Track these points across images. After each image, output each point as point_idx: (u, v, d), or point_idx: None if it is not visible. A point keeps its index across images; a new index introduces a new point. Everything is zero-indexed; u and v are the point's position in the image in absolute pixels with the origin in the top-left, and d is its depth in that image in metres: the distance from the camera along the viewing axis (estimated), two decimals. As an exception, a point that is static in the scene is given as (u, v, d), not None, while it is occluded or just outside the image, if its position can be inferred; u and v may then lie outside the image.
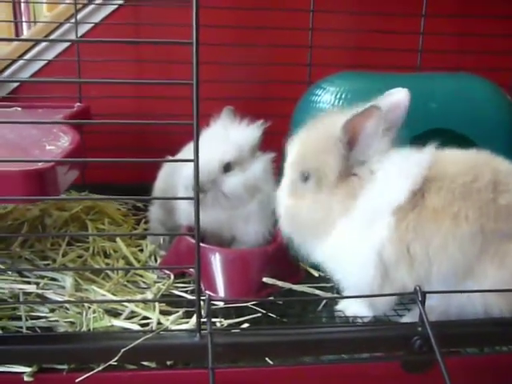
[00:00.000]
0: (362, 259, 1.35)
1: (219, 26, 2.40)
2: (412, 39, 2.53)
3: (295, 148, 1.46)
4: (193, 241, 1.68)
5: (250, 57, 2.52)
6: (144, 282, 1.67)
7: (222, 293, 1.61)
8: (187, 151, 1.87)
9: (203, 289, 1.63)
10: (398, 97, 1.44)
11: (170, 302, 1.50)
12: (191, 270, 1.68)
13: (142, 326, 1.37)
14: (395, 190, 1.33)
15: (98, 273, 1.63)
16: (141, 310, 1.40)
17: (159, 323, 1.37)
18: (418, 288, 1.26)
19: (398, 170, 1.35)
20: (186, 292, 1.63)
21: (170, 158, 1.85)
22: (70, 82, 2.41)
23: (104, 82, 1.21)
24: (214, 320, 1.44)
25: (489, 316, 1.33)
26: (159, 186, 1.95)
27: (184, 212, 1.77)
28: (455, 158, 1.41)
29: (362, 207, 1.35)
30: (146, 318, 1.41)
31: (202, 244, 1.68)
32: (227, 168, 1.69)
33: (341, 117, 1.38)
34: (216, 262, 1.64)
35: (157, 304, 1.41)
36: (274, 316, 1.50)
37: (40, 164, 1.21)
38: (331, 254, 1.41)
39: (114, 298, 1.45)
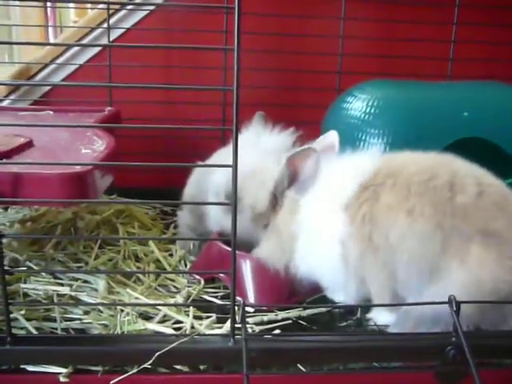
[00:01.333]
0: (329, 259, 1.46)
1: (251, 33, 2.41)
2: (443, 48, 2.51)
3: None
4: (224, 246, 1.70)
5: (281, 63, 2.53)
6: (175, 287, 1.67)
7: (252, 299, 1.61)
8: (217, 157, 1.88)
9: (233, 294, 1.63)
10: (330, 139, 1.61)
11: (203, 306, 1.51)
12: (221, 275, 1.69)
13: (175, 329, 1.37)
14: (342, 186, 1.44)
15: (129, 276, 1.63)
16: (174, 313, 1.40)
17: (192, 327, 1.38)
18: (452, 298, 1.25)
19: (339, 170, 1.49)
20: (216, 297, 1.63)
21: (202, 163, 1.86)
22: (98, 86, 2.43)
23: (137, 86, 1.22)
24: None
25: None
26: (189, 193, 1.95)
27: (214, 218, 1.77)
28: (413, 158, 1.47)
29: (307, 210, 1.49)
30: (178, 322, 1.41)
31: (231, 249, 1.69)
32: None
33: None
34: (246, 268, 1.64)
35: (191, 308, 1.41)
36: (304, 323, 1.49)
37: (78, 167, 1.22)
38: (303, 257, 1.52)
39: (148, 301, 1.45)
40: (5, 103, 2.56)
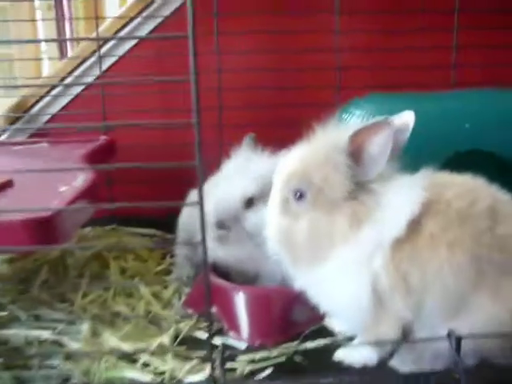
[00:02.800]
0: (356, 289, 1.28)
1: (242, 53, 2.37)
2: (445, 55, 2.41)
3: (289, 162, 1.37)
4: (216, 279, 1.62)
5: (275, 80, 2.45)
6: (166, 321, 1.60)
7: (245, 333, 1.53)
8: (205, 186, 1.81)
9: (226, 329, 1.55)
10: (405, 119, 1.39)
11: (181, 352, 1.41)
12: (214, 309, 1.61)
13: (159, 373, 1.30)
14: (395, 224, 1.26)
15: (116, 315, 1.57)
16: (155, 358, 1.32)
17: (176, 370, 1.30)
18: (451, 332, 1.15)
19: (398, 201, 1.28)
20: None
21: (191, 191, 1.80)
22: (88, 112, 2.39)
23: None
24: (233, 366, 1.36)
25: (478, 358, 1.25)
26: (183, 222, 1.89)
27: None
28: (451, 181, 1.35)
29: (364, 240, 1.27)
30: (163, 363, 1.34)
31: (224, 281, 1.62)
32: (249, 203, 1.61)
33: (343, 131, 1.31)
34: (239, 300, 1.56)
35: (169, 355, 1.33)
36: (299, 361, 1.40)
37: (44, 212, 1.16)
38: (323, 281, 1.32)
39: (127, 346, 1.38)
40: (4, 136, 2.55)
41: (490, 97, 1.90)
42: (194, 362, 1.32)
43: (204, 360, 1.35)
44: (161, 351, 1.38)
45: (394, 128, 1.25)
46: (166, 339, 1.43)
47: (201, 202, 1.03)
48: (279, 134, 2.00)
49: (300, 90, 2.40)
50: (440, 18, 2.40)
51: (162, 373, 1.30)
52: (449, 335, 1.16)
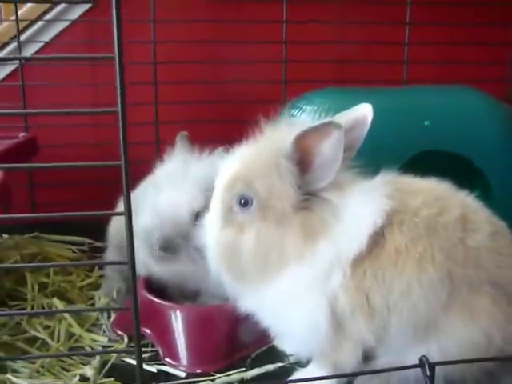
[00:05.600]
0: (312, 311, 1.11)
1: (181, 42, 2.17)
2: (397, 50, 2.29)
3: (232, 166, 1.18)
4: (150, 297, 1.42)
5: (211, 73, 2.27)
6: (91, 347, 1.38)
7: (184, 360, 1.33)
8: (143, 188, 1.60)
9: (162, 356, 1.35)
10: (362, 112, 1.20)
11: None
12: (146, 330, 1.40)
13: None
14: (355, 237, 1.09)
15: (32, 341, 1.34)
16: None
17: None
18: (424, 359, 0.98)
19: (357, 211, 1.11)
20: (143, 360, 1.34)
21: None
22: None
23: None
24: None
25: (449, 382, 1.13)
26: (114, 230, 1.67)
27: (142, 262, 1.48)
28: (416, 187, 1.19)
29: (320, 256, 1.09)
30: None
31: (159, 300, 1.41)
32: (197, 217, 1.40)
33: (288, 132, 1.12)
34: (177, 321, 1.36)
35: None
36: (248, 388, 1.22)
37: None
38: (274, 301, 1.14)
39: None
40: None
41: (449, 92, 1.78)
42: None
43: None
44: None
45: (343, 130, 1.05)
46: (89, 371, 1.21)
47: (128, 209, 0.82)
48: (222, 130, 1.82)
49: (244, 84, 2.24)
50: (393, 11, 2.29)
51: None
52: (421, 362, 1.00)
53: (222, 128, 2.02)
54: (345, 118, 1.17)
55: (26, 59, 2.23)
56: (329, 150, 1.07)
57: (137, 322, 0.90)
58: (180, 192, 1.42)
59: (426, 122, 1.64)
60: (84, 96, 2.29)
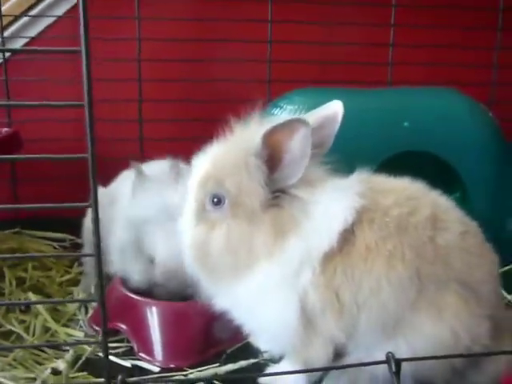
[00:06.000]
0: (283, 307, 1.11)
1: (166, 40, 2.17)
2: (382, 52, 2.30)
3: (204, 164, 1.18)
4: (127, 292, 1.42)
5: (200, 72, 2.27)
6: (65, 341, 1.38)
7: (158, 355, 1.34)
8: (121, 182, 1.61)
9: (136, 351, 1.35)
10: (332, 110, 1.21)
11: (80, 378, 1.20)
12: (122, 326, 1.40)
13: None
14: (325, 234, 1.09)
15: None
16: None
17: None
18: (390, 355, 0.99)
19: (328, 208, 1.11)
20: (116, 354, 1.35)
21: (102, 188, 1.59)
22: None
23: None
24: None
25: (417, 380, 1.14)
26: (89, 224, 1.67)
27: (118, 262, 1.49)
28: (388, 187, 1.20)
29: (290, 253, 1.09)
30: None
31: (136, 296, 1.42)
32: None
33: (257, 130, 1.12)
34: (152, 317, 1.36)
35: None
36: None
37: None
38: (245, 298, 1.14)
39: (7, 376, 1.15)
40: None
41: (430, 94, 1.79)
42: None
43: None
44: (55, 380, 1.16)
45: (311, 127, 1.06)
46: (61, 365, 1.21)
47: (94, 201, 0.83)
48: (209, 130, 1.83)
49: (229, 83, 2.24)
50: (378, 13, 2.30)
51: (54, 407, 1.09)
52: (387, 359, 1.01)
53: (205, 126, 2.03)
54: (316, 115, 1.18)
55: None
56: (297, 146, 1.07)
57: (104, 313, 0.90)
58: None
59: (405, 123, 1.66)
60: (67, 92, 2.29)
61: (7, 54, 2.19)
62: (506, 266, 1.65)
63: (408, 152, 1.63)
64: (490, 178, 1.73)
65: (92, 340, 1.37)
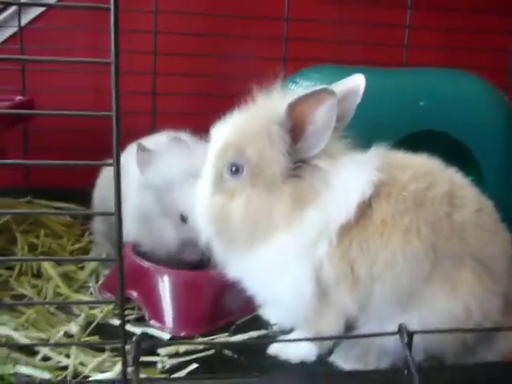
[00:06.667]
0: (298, 278, 1.12)
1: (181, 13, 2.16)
2: (398, 33, 2.28)
3: (224, 133, 1.18)
4: (137, 260, 1.43)
5: (214, 47, 2.26)
6: (77, 307, 1.39)
7: (169, 323, 1.34)
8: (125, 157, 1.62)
9: (147, 318, 1.36)
10: (354, 83, 1.22)
11: (90, 345, 1.20)
12: (133, 293, 1.41)
13: (61, 369, 1.09)
14: (343, 206, 1.10)
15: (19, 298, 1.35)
16: (59, 351, 1.12)
17: (82, 364, 1.10)
18: (403, 326, 1.00)
19: (347, 180, 1.12)
20: (128, 321, 1.36)
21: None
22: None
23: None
24: (154, 359, 1.18)
25: (428, 353, 1.14)
26: (98, 196, 1.68)
27: (129, 229, 1.49)
28: (406, 162, 1.20)
29: (308, 224, 1.10)
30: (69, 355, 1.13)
31: (148, 263, 1.42)
32: None
33: (281, 100, 1.12)
34: (164, 285, 1.37)
35: (73, 348, 1.12)
36: (230, 354, 1.23)
37: None
38: (261, 268, 1.15)
39: (23, 336, 1.16)
40: None
41: (446, 75, 1.78)
42: (106, 355, 1.12)
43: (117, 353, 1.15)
44: (68, 341, 1.17)
45: (337, 97, 1.06)
46: (74, 328, 1.22)
47: (117, 162, 0.83)
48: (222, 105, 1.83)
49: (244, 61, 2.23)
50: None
51: (66, 368, 1.09)
52: (399, 330, 1.01)
53: (219, 101, 2.03)
54: (338, 87, 1.17)
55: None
56: (322, 116, 1.07)
57: (121, 272, 0.90)
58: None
59: (421, 103, 1.65)
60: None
61: (23, 23, 2.18)
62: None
63: (424, 132, 1.62)
64: (505, 161, 1.71)
65: (108, 308, 1.37)
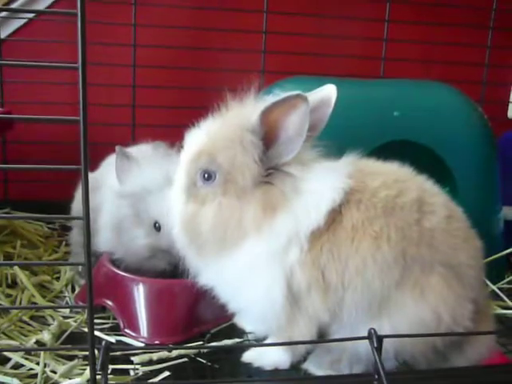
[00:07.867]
0: (270, 285, 1.12)
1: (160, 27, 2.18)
2: (376, 47, 2.32)
3: (197, 140, 1.19)
4: (113, 269, 1.43)
5: (197, 61, 2.28)
6: (52, 317, 1.39)
7: (144, 331, 1.34)
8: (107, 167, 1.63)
9: (122, 327, 1.36)
10: (325, 92, 1.23)
11: (61, 352, 1.20)
12: (108, 302, 1.41)
13: (33, 376, 1.09)
14: (313, 212, 1.11)
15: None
16: (30, 359, 1.11)
17: (53, 372, 1.09)
18: (372, 331, 1.01)
19: (318, 187, 1.13)
20: (101, 330, 1.36)
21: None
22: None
23: None
24: (127, 367, 1.18)
25: (399, 359, 1.15)
26: (77, 208, 1.68)
27: (105, 239, 1.50)
28: (376, 169, 1.21)
29: (278, 230, 1.10)
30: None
31: (123, 273, 1.42)
32: None
33: (254, 107, 1.14)
34: (139, 294, 1.37)
35: (41, 354, 1.12)
36: (203, 361, 1.23)
37: None
38: (232, 275, 1.15)
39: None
40: None
41: (421, 86, 1.81)
42: (74, 362, 1.12)
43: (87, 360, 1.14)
44: (37, 348, 1.16)
45: (309, 104, 1.07)
46: (46, 336, 1.22)
47: (85, 169, 0.84)
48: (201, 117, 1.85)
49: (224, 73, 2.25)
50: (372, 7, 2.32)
51: (37, 375, 1.09)
52: (369, 335, 1.02)
53: (197, 114, 2.05)
54: (310, 97, 1.19)
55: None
56: (295, 122, 1.09)
57: (89, 276, 0.90)
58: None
59: (395, 113, 1.68)
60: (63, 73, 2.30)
61: (3, 35, 2.18)
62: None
63: (400, 142, 1.64)
64: (479, 171, 1.74)
65: (82, 318, 1.37)
